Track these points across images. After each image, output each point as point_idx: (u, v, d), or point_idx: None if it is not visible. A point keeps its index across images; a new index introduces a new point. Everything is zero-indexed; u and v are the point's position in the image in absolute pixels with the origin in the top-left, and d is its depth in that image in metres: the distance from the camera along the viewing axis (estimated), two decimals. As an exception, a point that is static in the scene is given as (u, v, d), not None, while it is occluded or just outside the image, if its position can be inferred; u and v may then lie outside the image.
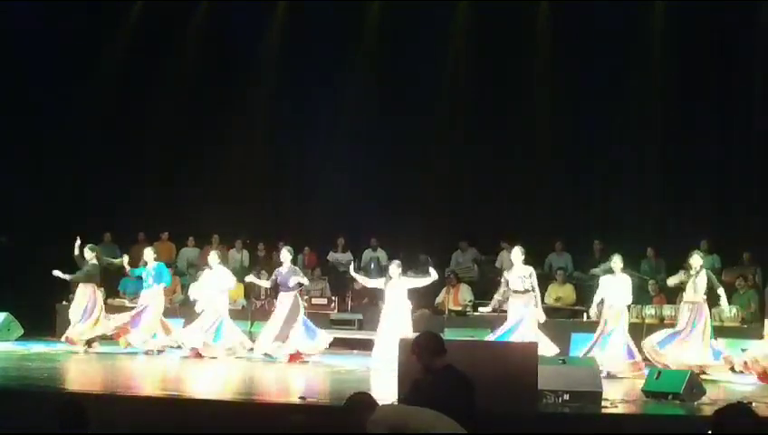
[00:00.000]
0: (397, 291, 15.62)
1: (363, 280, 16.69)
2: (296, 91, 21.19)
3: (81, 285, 16.85)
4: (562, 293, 18.27)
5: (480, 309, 17.32)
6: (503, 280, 15.40)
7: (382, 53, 21.15)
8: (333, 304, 18.90)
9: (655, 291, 17.66)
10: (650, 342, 14.42)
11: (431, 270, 15.86)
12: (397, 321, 15.30)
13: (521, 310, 14.93)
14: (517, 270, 15.14)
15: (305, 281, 16.32)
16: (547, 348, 14.25)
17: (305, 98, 21.03)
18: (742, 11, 19.09)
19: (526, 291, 15.02)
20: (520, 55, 20.58)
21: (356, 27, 21.24)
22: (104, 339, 16.79)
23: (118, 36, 21.59)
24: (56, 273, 16.89)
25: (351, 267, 17.20)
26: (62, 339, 16.72)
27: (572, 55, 20.09)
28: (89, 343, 16.63)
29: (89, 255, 16.86)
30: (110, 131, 21.40)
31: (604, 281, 14.87)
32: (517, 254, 15.23)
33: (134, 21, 21.55)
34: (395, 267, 15.77)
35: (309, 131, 21.11)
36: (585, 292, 18.09)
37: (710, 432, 6.13)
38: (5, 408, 10.27)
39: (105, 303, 17.61)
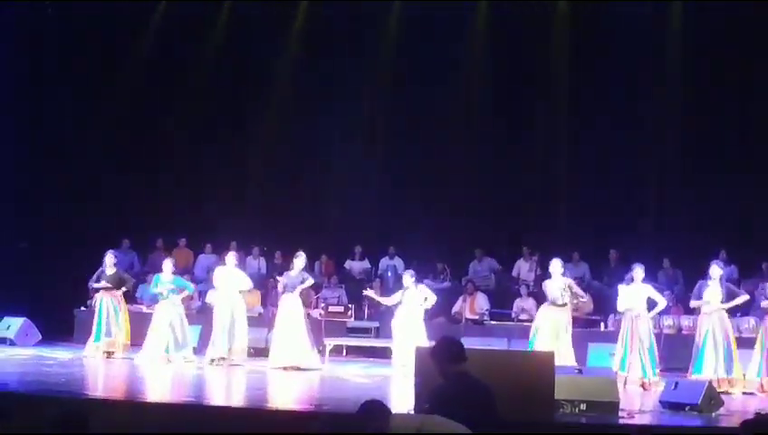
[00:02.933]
0: (411, 299, 15.68)
1: (382, 300, 16.71)
2: (314, 99, 21.21)
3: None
4: (579, 306, 18.18)
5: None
6: (545, 290, 15.42)
7: (400, 61, 21.15)
8: (350, 312, 18.92)
9: (672, 301, 17.59)
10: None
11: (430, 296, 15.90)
12: (410, 329, 15.37)
13: (557, 323, 15.01)
14: (557, 282, 15.20)
15: (311, 281, 16.30)
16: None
17: (323, 107, 21.02)
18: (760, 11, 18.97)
19: (564, 305, 15.09)
20: (538, 66, 20.54)
21: (373, 38, 21.23)
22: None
23: (138, 40, 21.65)
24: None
25: (371, 292, 17.16)
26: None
27: (589, 66, 20.05)
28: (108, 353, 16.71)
29: (110, 261, 17.01)
30: (128, 137, 21.46)
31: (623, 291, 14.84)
32: (557, 266, 15.28)
33: (155, 25, 21.64)
34: (408, 277, 15.85)
35: (326, 140, 21.12)
36: (602, 302, 18.08)
37: None
38: (23, 412, 10.30)
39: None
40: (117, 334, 16.73)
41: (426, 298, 15.89)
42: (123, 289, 17.13)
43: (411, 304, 15.71)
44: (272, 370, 15.39)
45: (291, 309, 15.83)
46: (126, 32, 21.43)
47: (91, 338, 16.79)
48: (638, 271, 14.63)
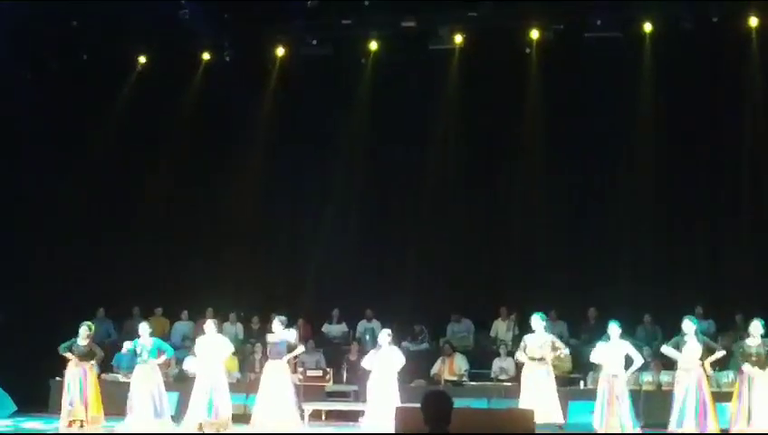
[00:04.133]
0: (386, 359, 15.53)
1: (370, 366, 16.22)
2: (288, 164, 21.27)
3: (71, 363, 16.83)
4: (558, 361, 18.15)
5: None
6: (521, 344, 15.46)
7: (373, 121, 21.18)
8: (329, 376, 18.76)
9: (651, 357, 17.59)
10: None
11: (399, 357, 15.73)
12: (384, 390, 15.21)
13: (539, 381, 14.99)
14: (539, 338, 15.24)
15: (301, 349, 16.16)
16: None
17: (297, 172, 21.09)
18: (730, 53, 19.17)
19: (542, 359, 15.13)
20: (512, 125, 20.62)
21: (347, 100, 21.27)
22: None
23: (107, 111, 21.66)
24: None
25: (365, 361, 16.66)
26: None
27: (561, 126, 20.19)
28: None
29: (83, 333, 16.84)
30: (103, 205, 21.43)
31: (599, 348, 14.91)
32: (538, 321, 15.33)
33: (129, 89, 21.66)
34: (385, 336, 15.71)
35: (302, 205, 21.15)
36: (582, 360, 18.07)
37: None
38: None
39: (99, 378, 17.52)
40: (78, 405, 16.53)
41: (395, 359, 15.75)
42: (92, 362, 16.96)
43: (385, 365, 15.55)
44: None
45: (277, 376, 15.69)
46: (97, 103, 21.46)
47: (62, 409, 16.68)
48: (614, 328, 14.73)
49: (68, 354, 16.86)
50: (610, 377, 14.58)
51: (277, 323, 16.00)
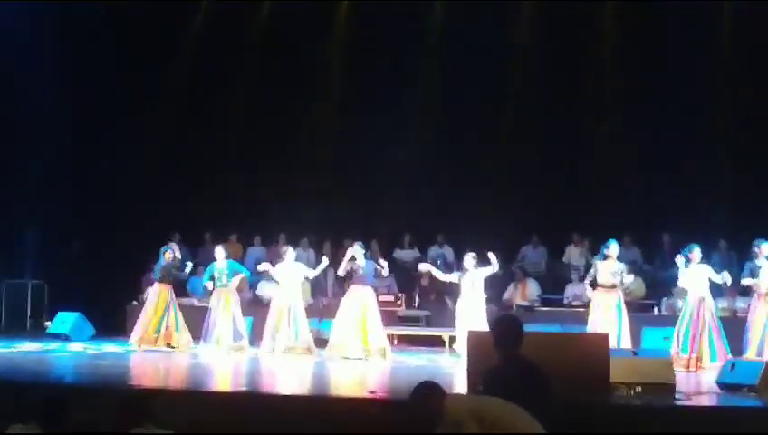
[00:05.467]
0: (472, 284, 15.49)
1: (436, 273, 16.40)
2: (362, 90, 21.15)
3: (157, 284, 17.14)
4: (632, 287, 18.03)
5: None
6: (592, 270, 15.33)
7: (449, 48, 20.98)
8: (400, 302, 18.85)
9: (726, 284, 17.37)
10: None
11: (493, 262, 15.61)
12: (473, 314, 15.13)
13: (608, 306, 14.91)
14: (612, 265, 15.05)
15: (385, 272, 16.28)
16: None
17: (371, 99, 20.95)
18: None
19: (613, 286, 14.96)
20: (589, 47, 20.34)
21: (418, 22, 21.12)
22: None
23: (182, 40, 21.79)
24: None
25: (422, 265, 16.91)
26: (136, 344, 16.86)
27: (642, 50, 19.85)
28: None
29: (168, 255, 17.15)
30: (176, 133, 21.57)
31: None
32: (615, 249, 15.17)
33: (199, 22, 21.76)
34: (470, 259, 15.57)
35: (375, 130, 20.96)
36: (656, 286, 17.94)
37: None
38: (78, 403, 10.40)
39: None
40: (173, 330, 16.89)
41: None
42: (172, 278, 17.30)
43: (473, 290, 15.49)
44: (328, 359, 15.41)
45: (364, 300, 15.81)
46: (171, 35, 21.57)
47: (140, 328, 16.94)
48: (696, 252, 14.53)
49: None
50: (698, 301, 14.46)
51: (358, 249, 16.01)
